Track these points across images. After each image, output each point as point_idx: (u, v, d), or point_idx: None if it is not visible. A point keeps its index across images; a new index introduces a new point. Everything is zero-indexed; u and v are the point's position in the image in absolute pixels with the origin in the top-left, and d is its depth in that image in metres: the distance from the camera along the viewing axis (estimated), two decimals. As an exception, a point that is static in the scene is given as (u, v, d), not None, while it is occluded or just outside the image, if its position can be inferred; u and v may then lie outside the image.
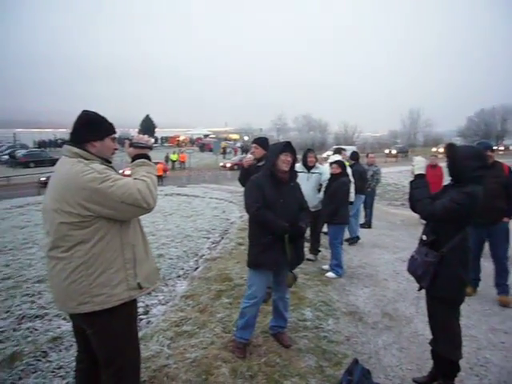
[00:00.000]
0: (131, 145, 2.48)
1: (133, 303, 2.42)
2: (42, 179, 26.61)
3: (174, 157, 40.25)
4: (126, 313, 2.38)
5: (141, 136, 2.52)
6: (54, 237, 2.25)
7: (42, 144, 59.28)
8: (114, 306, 2.25)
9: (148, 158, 2.47)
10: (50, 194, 2.30)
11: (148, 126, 73.81)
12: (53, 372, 3.46)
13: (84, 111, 2.41)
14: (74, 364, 3.42)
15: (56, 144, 58.91)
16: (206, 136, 77.84)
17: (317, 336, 4.13)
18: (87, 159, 2.27)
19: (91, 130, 2.36)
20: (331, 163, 6.26)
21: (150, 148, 2.54)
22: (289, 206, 3.62)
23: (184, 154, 39.64)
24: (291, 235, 3.53)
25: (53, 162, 37.00)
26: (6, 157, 42.08)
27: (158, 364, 3.53)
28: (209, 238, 8.32)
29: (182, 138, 72.13)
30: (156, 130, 75.81)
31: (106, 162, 2.39)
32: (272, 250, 3.55)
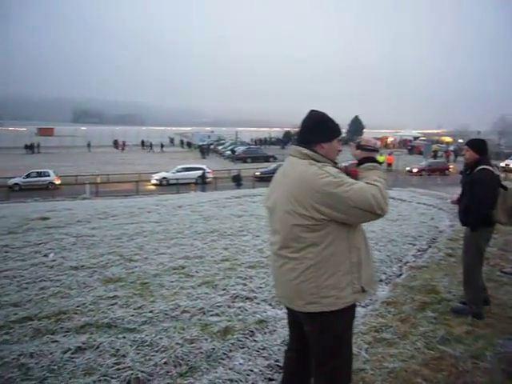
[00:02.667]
0: (358, 147, 2.40)
1: (354, 306, 2.37)
2: (256, 174, 29.17)
3: (381, 158, 39.48)
4: (348, 315, 2.34)
5: (369, 138, 2.44)
6: (284, 237, 2.27)
7: (257, 142, 65.25)
8: (340, 308, 2.22)
9: (376, 161, 2.35)
10: (280, 194, 2.31)
11: (356, 127, 74.16)
12: (257, 351, 3.72)
13: (313, 111, 2.37)
14: (276, 348, 3.64)
15: (270, 142, 64.30)
16: (416, 138, 73.98)
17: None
18: (318, 161, 2.24)
19: (321, 130, 2.31)
20: None
21: (377, 151, 2.42)
22: None
23: (392, 155, 38.54)
24: None
25: (266, 159, 40.81)
26: (229, 152, 47.79)
27: (355, 366, 3.44)
28: (415, 245, 7.86)
29: (390, 140, 70.21)
30: (364, 130, 75.56)
31: (334, 163, 2.34)
32: None
